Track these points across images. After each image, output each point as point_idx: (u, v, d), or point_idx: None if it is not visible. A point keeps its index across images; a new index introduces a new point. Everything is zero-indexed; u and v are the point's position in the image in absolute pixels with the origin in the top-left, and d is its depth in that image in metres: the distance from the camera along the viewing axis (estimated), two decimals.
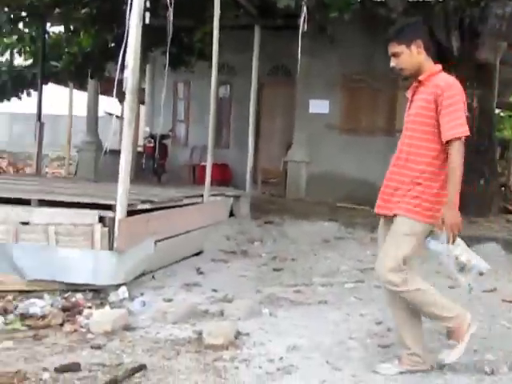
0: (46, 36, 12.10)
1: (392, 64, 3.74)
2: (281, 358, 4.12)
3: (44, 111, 12.11)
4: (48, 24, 12.06)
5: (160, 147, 13.60)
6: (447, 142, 3.56)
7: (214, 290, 6.01)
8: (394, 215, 3.74)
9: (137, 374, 3.82)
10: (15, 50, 12.20)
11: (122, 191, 5.73)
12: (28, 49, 12.23)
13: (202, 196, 8.27)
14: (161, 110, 12.22)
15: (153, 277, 6.39)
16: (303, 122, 13.24)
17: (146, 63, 14.31)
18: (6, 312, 5.23)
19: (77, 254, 5.75)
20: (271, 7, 9.55)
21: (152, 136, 13.58)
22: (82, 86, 14.94)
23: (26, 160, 18.32)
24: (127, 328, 4.80)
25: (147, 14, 8.64)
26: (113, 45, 11.45)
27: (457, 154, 3.53)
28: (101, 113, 15.57)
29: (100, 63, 12.40)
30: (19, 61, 12.64)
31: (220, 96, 14.77)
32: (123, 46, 5.94)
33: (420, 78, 3.70)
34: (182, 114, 15.86)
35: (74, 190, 7.65)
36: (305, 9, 7.93)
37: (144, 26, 7.35)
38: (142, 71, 13.37)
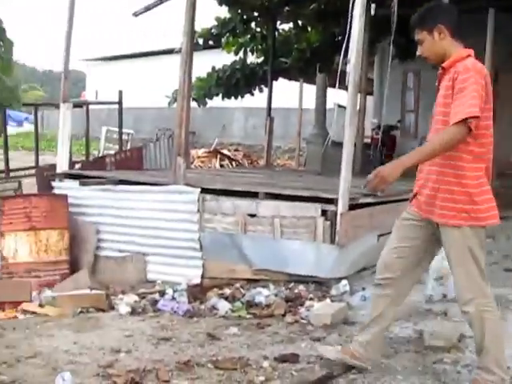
0: (276, 33, 12.54)
1: (418, 52, 3.45)
2: (508, 368, 3.82)
3: (275, 105, 12.58)
4: (278, 22, 12.50)
5: (388, 138, 13.39)
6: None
7: None
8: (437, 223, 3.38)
9: (353, 371, 3.80)
10: (248, 49, 12.80)
11: (344, 185, 5.74)
12: (259, 47, 12.75)
13: None
14: (389, 100, 12.03)
15: (375, 272, 6.31)
16: None
17: (374, 54, 14.17)
18: (233, 299, 5.54)
19: (300, 246, 5.90)
20: None
21: (380, 127, 13.43)
22: (310, 80, 15.26)
23: (260, 152, 19.17)
24: (346, 322, 4.82)
25: (373, 6, 8.56)
26: (340, 38, 11.51)
27: (446, 133, 3.13)
28: (330, 105, 15.78)
29: (328, 57, 12.53)
30: (251, 58, 13.23)
31: None
32: (346, 38, 5.95)
33: (443, 64, 3.33)
34: (412, 104, 15.47)
35: (298, 183, 7.84)
36: None
37: (370, 18, 7.31)
38: (370, 62, 13.28)
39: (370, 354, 3.70)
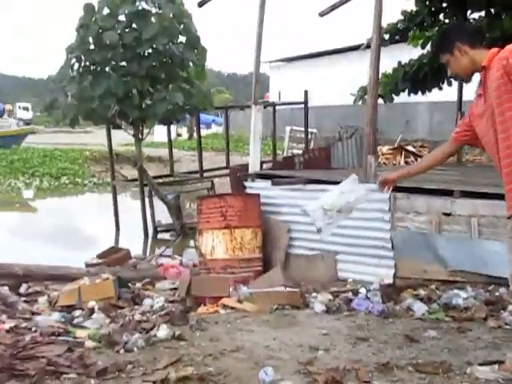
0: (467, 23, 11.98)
1: (448, 73, 3.66)
2: None
3: (463, 98, 12.07)
4: (468, 11, 11.94)
5: None
6: None
7: None
8: None
9: None
10: None
11: None
12: None
13: None
14: None
15: None
16: None
17: None
18: (429, 300, 5.39)
19: (499, 246, 5.58)
20: None
21: None
22: None
23: None
24: None
25: None
26: None
27: None
28: None
29: None
30: None
31: None
32: None
33: (483, 63, 3.42)
34: None
35: (495, 179, 7.41)
36: None
37: None
38: None
39: None
